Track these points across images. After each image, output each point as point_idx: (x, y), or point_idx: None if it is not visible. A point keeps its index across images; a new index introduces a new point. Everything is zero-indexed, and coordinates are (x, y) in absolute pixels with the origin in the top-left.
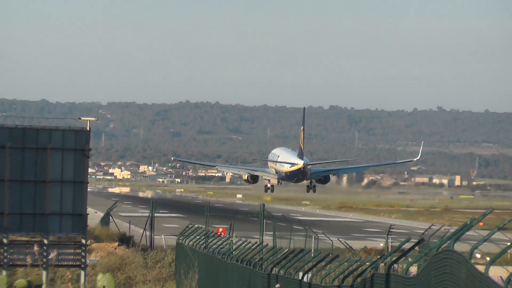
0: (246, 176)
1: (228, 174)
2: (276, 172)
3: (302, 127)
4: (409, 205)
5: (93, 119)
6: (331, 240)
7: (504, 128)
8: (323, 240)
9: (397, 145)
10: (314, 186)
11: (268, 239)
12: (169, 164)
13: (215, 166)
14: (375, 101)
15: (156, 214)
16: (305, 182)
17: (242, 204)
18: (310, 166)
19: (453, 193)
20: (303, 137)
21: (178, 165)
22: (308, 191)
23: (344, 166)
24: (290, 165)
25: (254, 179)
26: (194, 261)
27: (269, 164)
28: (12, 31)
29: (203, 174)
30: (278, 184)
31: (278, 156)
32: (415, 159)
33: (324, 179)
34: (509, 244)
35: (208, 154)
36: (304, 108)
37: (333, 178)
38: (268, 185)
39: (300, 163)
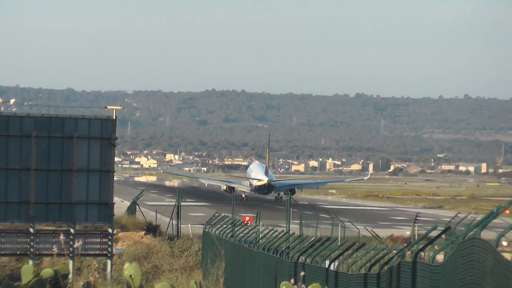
0: (224, 187)
1: (254, 162)
2: (250, 184)
3: (267, 149)
4: (436, 193)
5: (119, 107)
6: (358, 228)
7: None
8: (349, 228)
9: (423, 132)
10: (281, 197)
11: (294, 227)
12: (196, 153)
13: (198, 178)
14: (401, 88)
15: (182, 203)
16: (273, 195)
17: None
18: (274, 182)
19: (479, 180)
20: (268, 157)
21: (204, 153)
22: (276, 201)
23: (304, 181)
24: (258, 180)
25: (231, 190)
26: (221, 249)
27: (247, 177)
28: (36, 20)
29: (229, 163)
30: (255, 194)
31: (252, 171)
32: (365, 178)
33: (290, 192)
34: None
35: (234, 142)
36: (269, 134)
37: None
38: (243, 195)
39: (265, 179)
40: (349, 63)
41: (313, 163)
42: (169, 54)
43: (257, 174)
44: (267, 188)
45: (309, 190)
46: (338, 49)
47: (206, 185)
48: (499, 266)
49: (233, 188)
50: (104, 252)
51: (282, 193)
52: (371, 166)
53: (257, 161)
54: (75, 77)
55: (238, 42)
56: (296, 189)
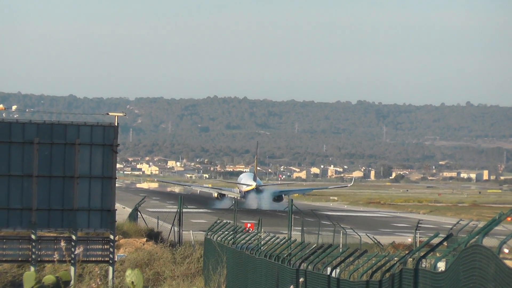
0: (216, 194)
1: (255, 169)
2: (240, 191)
3: (256, 156)
4: (437, 200)
5: (121, 114)
6: (359, 235)
7: None
8: (351, 235)
9: (425, 139)
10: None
11: (296, 234)
12: (198, 160)
13: (190, 186)
14: (403, 95)
15: (184, 210)
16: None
17: None
18: (262, 187)
19: (481, 187)
20: (256, 164)
21: (206, 160)
22: None
23: (291, 188)
24: (247, 185)
25: (222, 196)
26: (223, 256)
27: (237, 185)
28: (38, 26)
29: (231, 170)
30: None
31: (242, 179)
32: (348, 185)
33: (278, 198)
34: None
35: (236, 149)
36: (257, 142)
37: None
38: (232, 202)
39: (253, 184)
40: (351, 70)
41: (315, 170)
42: (171, 61)
43: (246, 180)
44: (255, 192)
45: (311, 196)
46: (340, 56)
47: (198, 192)
48: (501, 274)
49: (224, 195)
50: (106, 259)
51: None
52: (372, 173)
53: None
54: (77, 84)
55: (240, 49)
56: (283, 195)
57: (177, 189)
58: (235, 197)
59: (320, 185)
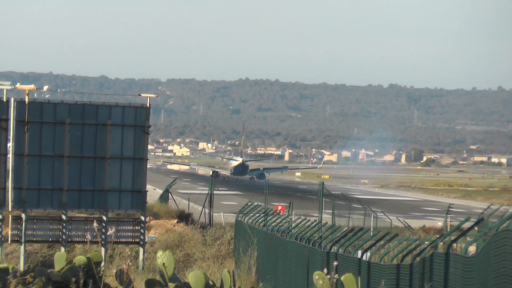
0: (210, 172)
1: (287, 152)
2: (230, 169)
3: (243, 137)
4: (468, 184)
5: (153, 95)
6: (390, 219)
7: None
8: (381, 218)
9: (456, 124)
10: (254, 178)
11: (327, 217)
12: (229, 142)
13: (189, 165)
14: (434, 79)
15: (215, 192)
16: (247, 177)
17: (301, 182)
18: (248, 162)
19: None
20: (243, 143)
21: (237, 142)
22: (250, 180)
23: (271, 166)
24: (235, 161)
25: (215, 174)
26: (253, 238)
27: (228, 163)
28: (70, 7)
29: (262, 152)
30: (234, 178)
31: (232, 158)
32: (318, 167)
33: (261, 175)
34: None
35: (268, 131)
36: (243, 124)
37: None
38: (226, 178)
39: (239, 159)
40: (383, 53)
41: (345, 153)
42: (202, 42)
43: (235, 158)
44: (242, 167)
45: (342, 179)
46: (372, 39)
47: (196, 170)
48: None
49: (217, 172)
50: (137, 240)
51: (254, 176)
52: (403, 157)
53: (289, 150)
54: (109, 64)
55: (272, 31)
56: (265, 173)
57: (205, 171)
58: (226, 174)
59: (294, 166)
